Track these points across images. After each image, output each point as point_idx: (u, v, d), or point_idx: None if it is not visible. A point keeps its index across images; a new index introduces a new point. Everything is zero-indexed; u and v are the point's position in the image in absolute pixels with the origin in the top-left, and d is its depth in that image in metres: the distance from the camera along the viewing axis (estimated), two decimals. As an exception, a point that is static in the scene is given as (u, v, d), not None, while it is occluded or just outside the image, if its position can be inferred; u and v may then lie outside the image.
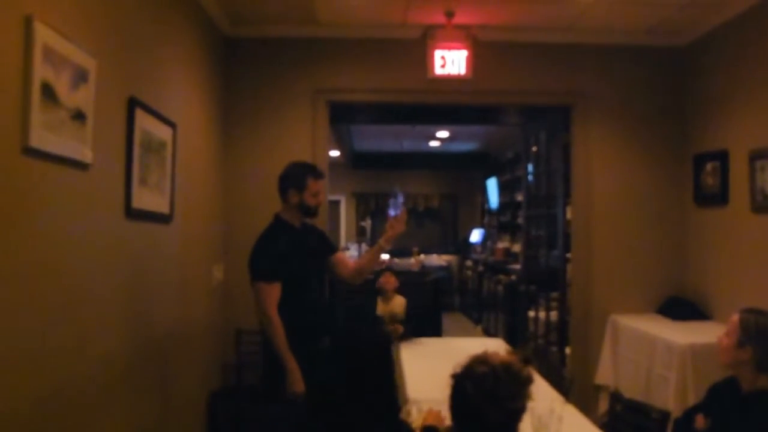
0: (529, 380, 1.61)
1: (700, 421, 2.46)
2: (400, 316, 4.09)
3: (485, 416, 1.57)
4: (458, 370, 1.65)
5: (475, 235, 11.29)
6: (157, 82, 3.13)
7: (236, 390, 4.22)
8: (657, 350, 3.76)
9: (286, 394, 2.87)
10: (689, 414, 2.60)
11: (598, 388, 4.43)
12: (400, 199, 3.22)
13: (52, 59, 2.04)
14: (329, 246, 3.37)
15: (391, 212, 3.20)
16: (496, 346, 3.94)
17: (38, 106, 1.96)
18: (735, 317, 2.40)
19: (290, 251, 3.00)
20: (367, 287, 4.25)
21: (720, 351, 2.43)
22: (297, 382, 2.87)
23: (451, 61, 4.34)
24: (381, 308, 4.19)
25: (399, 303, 4.22)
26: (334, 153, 9.02)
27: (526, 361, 1.65)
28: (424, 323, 4.54)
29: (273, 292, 2.91)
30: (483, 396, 1.56)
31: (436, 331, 6.49)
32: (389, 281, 4.26)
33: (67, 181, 2.21)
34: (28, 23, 1.92)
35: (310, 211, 3.13)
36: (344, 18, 4.34)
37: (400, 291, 4.31)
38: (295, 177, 3.10)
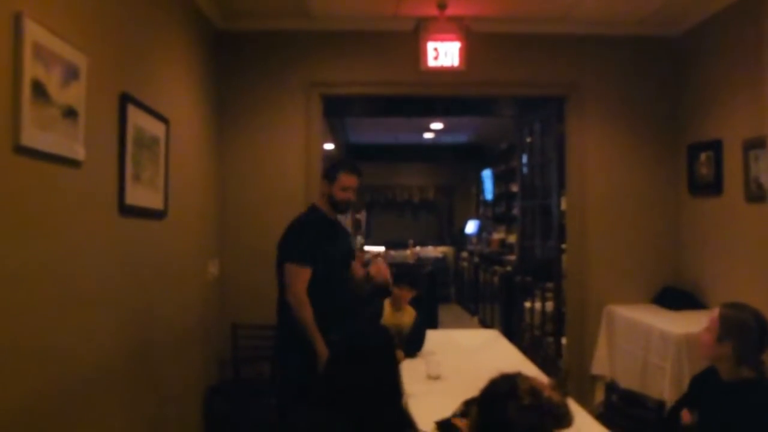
0: (570, 424, 1.57)
1: (686, 416, 2.48)
2: (407, 330, 3.60)
3: None
4: (499, 388, 1.59)
5: (471, 227, 11.31)
6: (149, 77, 3.11)
7: (233, 385, 4.23)
8: (652, 340, 3.78)
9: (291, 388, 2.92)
10: (675, 409, 2.62)
11: (594, 379, 4.45)
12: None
13: (42, 56, 2.02)
14: (352, 250, 3.47)
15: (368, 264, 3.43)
16: (493, 338, 3.98)
17: (29, 104, 1.94)
18: (715, 312, 2.43)
19: (324, 240, 3.09)
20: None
21: (701, 346, 2.48)
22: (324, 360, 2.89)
23: (444, 53, 4.31)
24: (388, 315, 3.70)
25: (409, 315, 3.71)
26: (329, 146, 8.99)
27: (565, 394, 1.60)
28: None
29: (303, 274, 2.97)
30: (523, 426, 1.53)
31: (432, 322, 6.53)
32: (401, 295, 3.69)
33: (59, 179, 2.20)
34: (17, 20, 1.90)
35: (338, 205, 3.22)
36: (336, 11, 4.32)
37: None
38: (330, 169, 3.24)
